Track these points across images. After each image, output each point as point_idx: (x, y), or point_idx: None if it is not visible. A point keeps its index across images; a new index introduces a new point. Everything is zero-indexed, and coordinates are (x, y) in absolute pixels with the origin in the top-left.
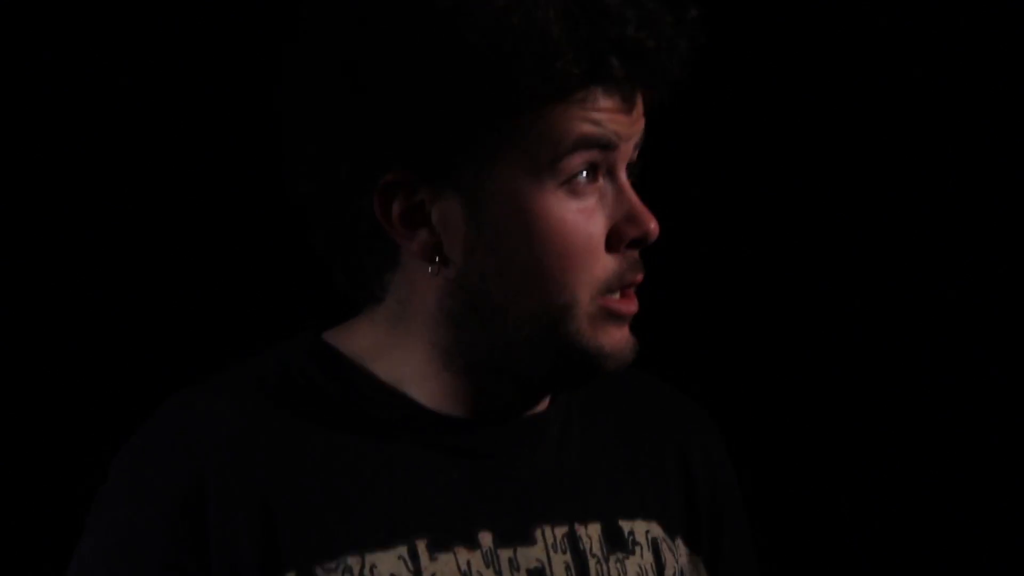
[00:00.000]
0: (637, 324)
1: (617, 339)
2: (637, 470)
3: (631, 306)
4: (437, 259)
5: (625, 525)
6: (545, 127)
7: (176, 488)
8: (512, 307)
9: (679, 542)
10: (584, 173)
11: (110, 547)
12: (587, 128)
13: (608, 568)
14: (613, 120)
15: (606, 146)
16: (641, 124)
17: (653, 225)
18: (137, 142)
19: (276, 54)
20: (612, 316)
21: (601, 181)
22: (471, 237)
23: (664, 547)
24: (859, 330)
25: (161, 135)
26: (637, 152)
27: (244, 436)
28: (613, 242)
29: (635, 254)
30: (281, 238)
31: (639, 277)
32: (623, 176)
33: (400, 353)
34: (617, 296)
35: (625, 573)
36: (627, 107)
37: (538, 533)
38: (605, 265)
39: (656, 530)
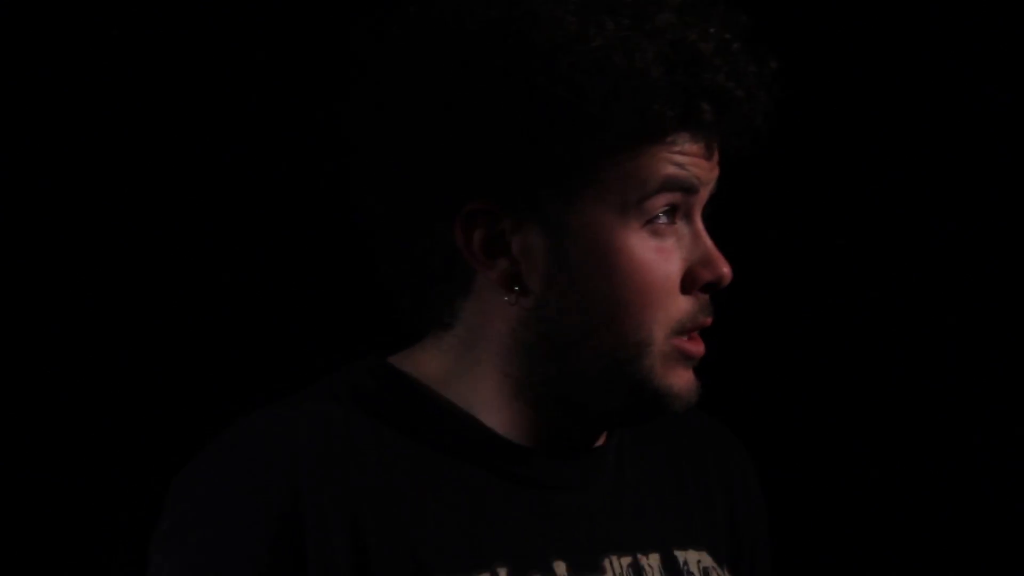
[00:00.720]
0: None
1: (685, 380)
2: (686, 500)
3: (700, 348)
4: (516, 288)
5: (679, 555)
6: (634, 167)
7: (274, 507)
8: (588, 341)
9: (726, 571)
10: (664, 214)
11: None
12: (673, 171)
13: None
14: (696, 164)
15: (688, 189)
16: (717, 171)
17: (727, 269)
18: (196, 166)
19: (345, 77)
20: (682, 357)
21: (679, 223)
22: (552, 269)
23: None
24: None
25: (220, 159)
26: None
27: (332, 454)
28: (687, 284)
29: (706, 297)
30: (331, 264)
31: (709, 320)
32: (699, 220)
33: (470, 380)
34: (686, 338)
35: None
36: (708, 153)
37: (606, 563)
38: (680, 306)
39: (707, 559)
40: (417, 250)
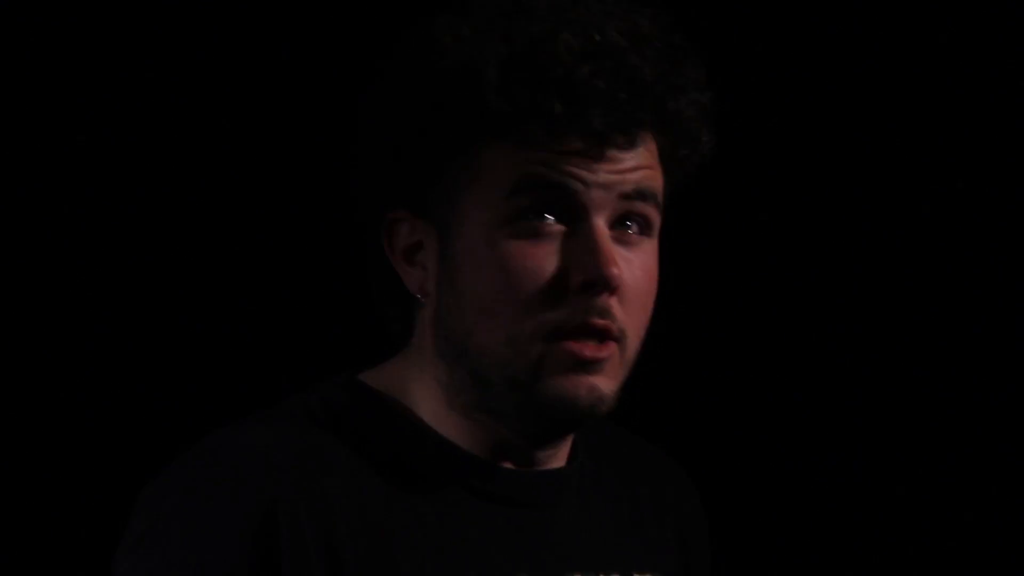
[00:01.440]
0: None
1: (571, 385)
2: (644, 528)
3: (585, 350)
4: (425, 294)
5: None
6: (498, 165)
7: (252, 521)
8: (468, 342)
9: None
10: (541, 213)
11: None
12: (532, 169)
13: None
14: (577, 164)
15: (557, 187)
16: (632, 176)
17: (607, 271)
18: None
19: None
20: (565, 360)
21: (565, 224)
22: (439, 271)
23: None
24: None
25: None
26: (649, 205)
27: (306, 470)
28: (564, 284)
29: (597, 299)
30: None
31: (595, 321)
32: (594, 221)
33: (420, 390)
34: (582, 342)
35: None
36: (598, 152)
37: None
38: (556, 306)
39: None
40: (375, 260)
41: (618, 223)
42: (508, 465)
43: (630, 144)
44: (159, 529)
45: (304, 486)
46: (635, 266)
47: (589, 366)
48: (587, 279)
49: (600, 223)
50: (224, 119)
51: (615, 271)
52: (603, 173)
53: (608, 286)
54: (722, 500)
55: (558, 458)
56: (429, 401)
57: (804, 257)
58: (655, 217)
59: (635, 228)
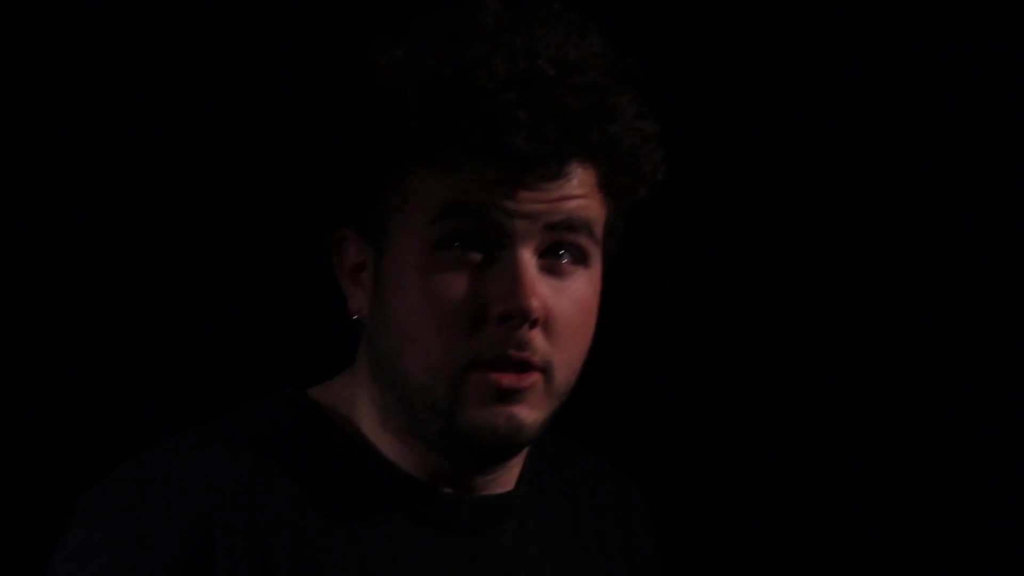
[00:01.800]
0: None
1: (490, 414)
2: (588, 556)
3: (503, 380)
4: (362, 315)
5: None
6: (424, 191)
7: (187, 536)
8: (395, 366)
9: None
10: (464, 240)
11: None
12: (455, 196)
13: None
14: (500, 193)
15: (477, 215)
16: (562, 206)
17: (525, 303)
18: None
19: None
20: (484, 389)
21: (488, 253)
22: (373, 290)
23: None
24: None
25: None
26: (581, 235)
27: (243, 487)
28: (482, 314)
29: (516, 331)
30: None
31: (510, 353)
32: (517, 251)
33: (362, 409)
34: (500, 372)
35: None
36: (521, 181)
37: None
38: (474, 336)
39: None
40: (331, 276)
41: (549, 252)
42: (448, 490)
43: (557, 174)
44: (93, 543)
45: (240, 508)
46: (565, 296)
47: (508, 396)
48: (505, 311)
49: (524, 253)
50: (186, 135)
51: (534, 303)
52: (528, 203)
53: (526, 318)
54: (673, 514)
55: (502, 483)
56: (369, 420)
57: (770, 264)
58: (590, 247)
59: (568, 258)
